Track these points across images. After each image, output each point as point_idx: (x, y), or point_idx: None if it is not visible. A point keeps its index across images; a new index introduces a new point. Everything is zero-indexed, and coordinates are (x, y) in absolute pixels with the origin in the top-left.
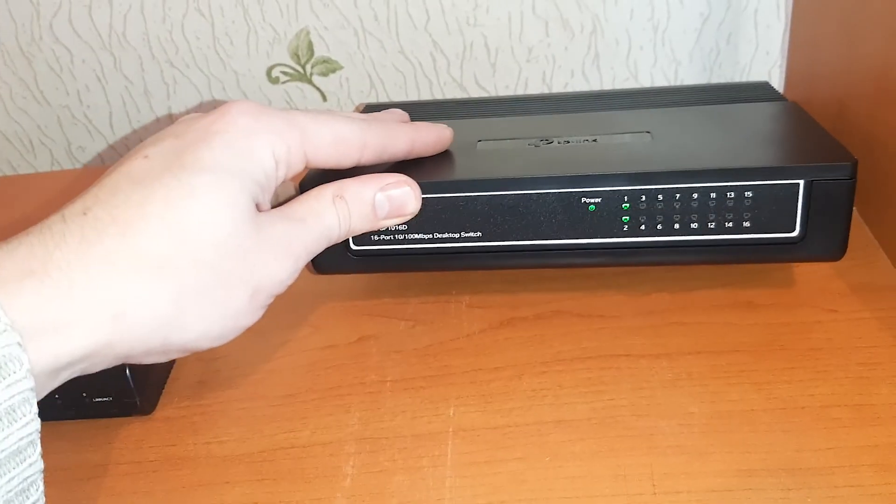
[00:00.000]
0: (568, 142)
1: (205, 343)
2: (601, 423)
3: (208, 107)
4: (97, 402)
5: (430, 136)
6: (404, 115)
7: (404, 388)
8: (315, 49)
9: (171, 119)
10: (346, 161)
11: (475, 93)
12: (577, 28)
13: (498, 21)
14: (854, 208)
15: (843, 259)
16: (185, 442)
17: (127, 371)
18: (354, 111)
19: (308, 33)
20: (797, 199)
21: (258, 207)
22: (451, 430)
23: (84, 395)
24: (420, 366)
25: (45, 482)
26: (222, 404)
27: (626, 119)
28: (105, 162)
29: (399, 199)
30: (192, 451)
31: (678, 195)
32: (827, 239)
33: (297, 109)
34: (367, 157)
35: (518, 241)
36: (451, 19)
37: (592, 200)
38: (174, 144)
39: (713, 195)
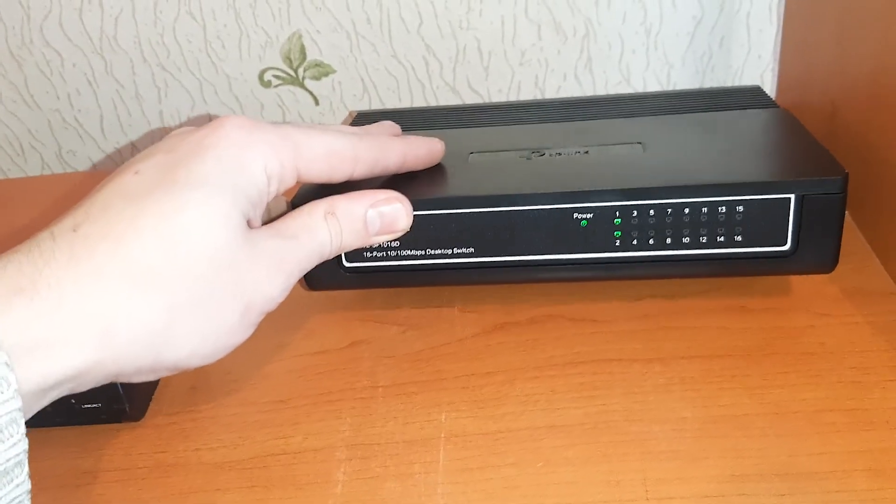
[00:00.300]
0: (560, 154)
1: (195, 361)
2: (594, 428)
3: (201, 121)
4: (86, 408)
5: (421, 150)
6: (396, 127)
7: (396, 394)
8: (307, 53)
9: (162, 123)
10: (339, 175)
11: (468, 96)
12: (569, 32)
13: (491, 25)
14: (847, 212)
15: None
16: (176, 449)
17: None
18: (346, 118)
19: (300, 37)
20: (788, 213)
21: (250, 224)
22: (442, 435)
23: (73, 401)
24: (412, 371)
25: (34, 489)
26: (213, 410)
27: (618, 128)
28: (96, 167)
29: (390, 215)
30: (183, 457)
31: (669, 210)
32: (818, 252)
33: (290, 123)
34: (360, 171)
35: (511, 256)
36: (443, 23)
37: (584, 216)
38: (166, 159)
39: (704, 210)
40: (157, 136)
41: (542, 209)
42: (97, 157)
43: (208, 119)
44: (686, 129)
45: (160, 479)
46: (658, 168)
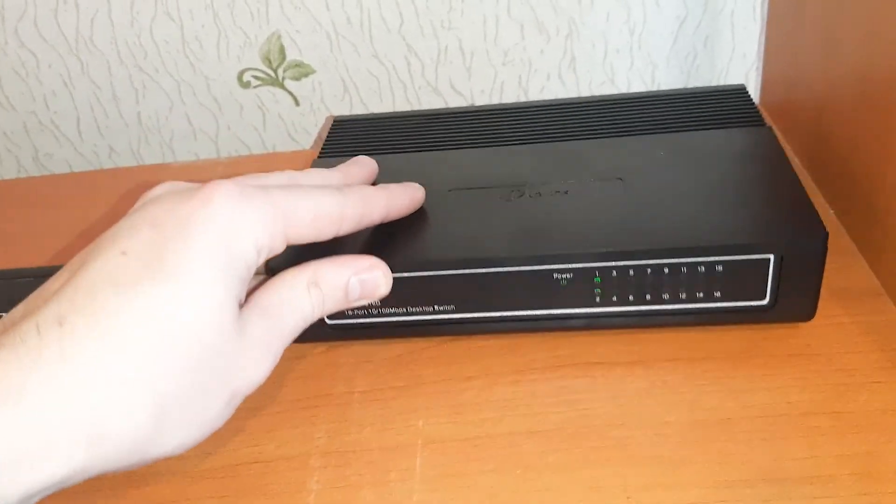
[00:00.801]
0: (539, 194)
1: (178, 451)
2: (575, 433)
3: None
4: None
5: (404, 201)
6: (372, 164)
7: (373, 400)
8: (287, 53)
9: (140, 124)
10: (326, 235)
11: (450, 97)
12: (552, 31)
13: (473, 24)
14: (832, 212)
15: None
16: None
17: None
18: (325, 123)
19: (279, 37)
20: (767, 271)
21: (238, 303)
22: (420, 442)
23: None
24: (390, 376)
25: None
26: None
27: (599, 156)
28: (73, 169)
29: (371, 283)
30: (153, 467)
31: (649, 270)
32: (797, 304)
33: (276, 179)
34: (346, 229)
35: (491, 312)
36: (425, 22)
37: (564, 276)
38: (153, 237)
39: (684, 270)
40: (133, 138)
41: (521, 270)
42: (74, 159)
43: (187, 120)
44: (666, 164)
45: (129, 488)
46: (638, 222)
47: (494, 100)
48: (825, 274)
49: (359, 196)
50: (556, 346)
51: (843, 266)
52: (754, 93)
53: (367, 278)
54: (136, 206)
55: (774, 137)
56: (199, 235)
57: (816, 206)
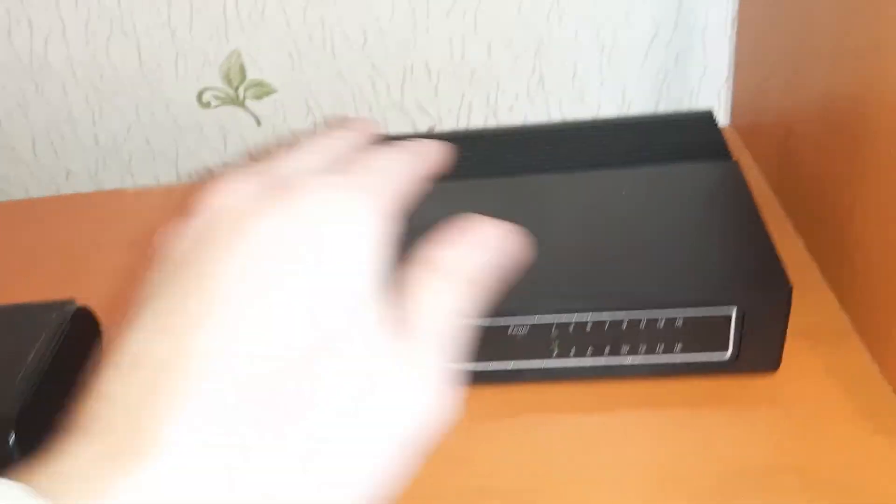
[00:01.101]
0: None
1: None
2: (532, 487)
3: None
4: None
5: (432, 156)
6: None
7: None
8: (247, 72)
9: (97, 145)
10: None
11: (417, 117)
12: (520, 49)
13: (439, 42)
14: (800, 241)
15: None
16: None
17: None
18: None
19: (239, 55)
20: (730, 325)
21: None
22: None
23: None
24: None
25: None
26: None
27: (561, 195)
28: (29, 193)
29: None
30: None
31: (606, 325)
32: (760, 357)
33: (357, 152)
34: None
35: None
36: (389, 41)
37: (520, 333)
38: (298, 282)
39: (643, 324)
40: (91, 160)
41: (478, 326)
42: (31, 182)
43: (145, 142)
44: (628, 205)
45: None
46: (597, 273)
47: (462, 119)
48: (792, 312)
49: (408, 151)
50: (513, 391)
51: (813, 303)
52: (724, 113)
53: (493, 241)
54: (207, 222)
55: (740, 174)
56: (362, 264)
57: (785, 237)
